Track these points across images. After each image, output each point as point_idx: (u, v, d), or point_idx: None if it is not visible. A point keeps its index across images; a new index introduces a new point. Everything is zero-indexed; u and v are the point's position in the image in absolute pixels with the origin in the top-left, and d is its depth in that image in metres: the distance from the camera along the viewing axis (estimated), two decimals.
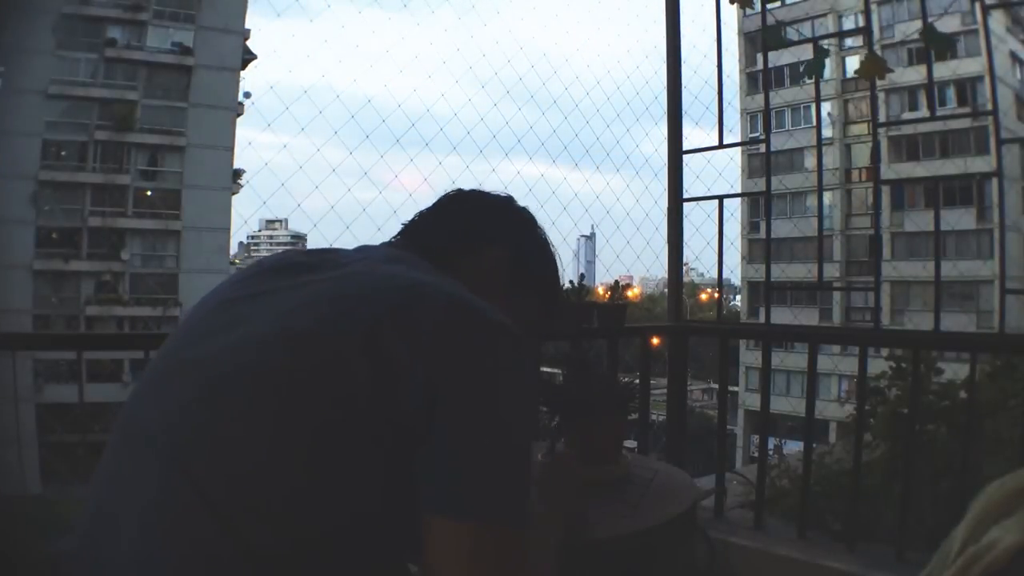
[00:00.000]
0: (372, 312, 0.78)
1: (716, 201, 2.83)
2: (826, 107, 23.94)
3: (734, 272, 19.22)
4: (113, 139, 19.91)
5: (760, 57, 2.98)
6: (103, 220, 19.83)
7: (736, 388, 20.71)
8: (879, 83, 2.46)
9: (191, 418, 0.77)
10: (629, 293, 2.92)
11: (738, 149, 3.20)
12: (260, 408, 0.76)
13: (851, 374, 2.94)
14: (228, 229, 20.00)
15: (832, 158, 23.80)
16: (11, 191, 18.02)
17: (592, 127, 3.06)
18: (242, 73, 20.40)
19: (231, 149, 19.76)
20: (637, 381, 2.59)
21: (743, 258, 19.05)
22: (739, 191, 3.23)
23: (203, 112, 20.06)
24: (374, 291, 0.82)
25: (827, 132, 24.25)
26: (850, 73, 21.70)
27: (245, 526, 0.71)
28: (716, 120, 2.78)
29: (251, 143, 2.76)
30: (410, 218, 1.08)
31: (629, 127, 3.17)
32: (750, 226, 18.72)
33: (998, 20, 16.45)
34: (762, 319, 2.78)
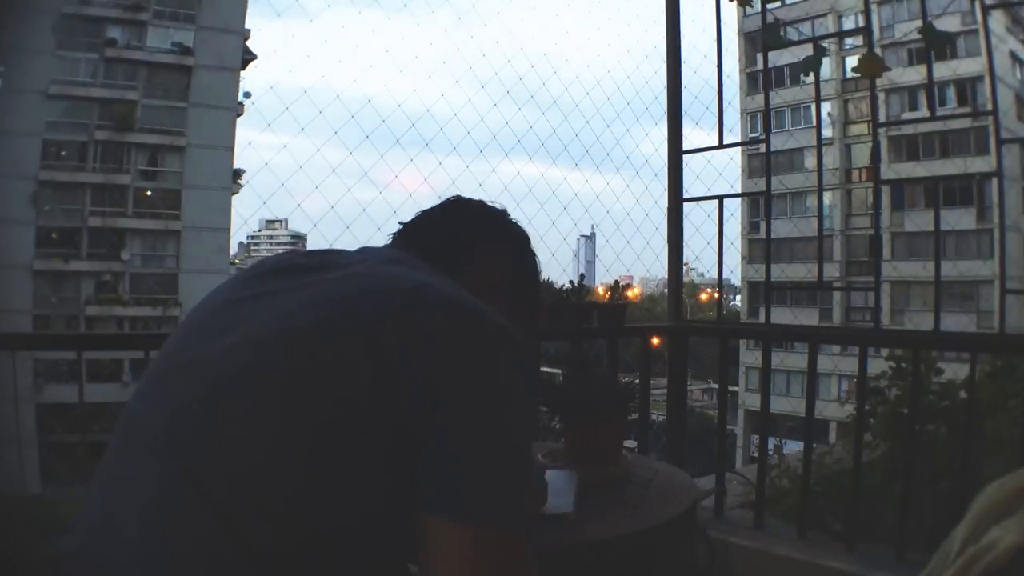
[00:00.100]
0: (374, 313, 0.78)
1: (716, 201, 2.83)
2: (826, 107, 23.94)
3: (734, 272, 19.21)
4: (113, 139, 19.91)
5: (760, 57, 2.98)
6: (103, 220, 19.83)
7: (736, 388, 20.69)
8: (879, 83, 2.46)
9: (192, 419, 0.77)
10: (629, 293, 2.92)
11: (738, 149, 3.20)
12: (261, 409, 0.76)
13: (851, 374, 2.94)
14: (228, 229, 20.00)
15: (832, 158, 23.79)
16: (11, 191, 18.02)
17: (592, 127, 3.06)
18: (242, 73, 20.43)
19: (231, 149, 19.77)
20: (637, 381, 2.59)
21: (743, 258, 19.03)
22: (739, 191, 3.23)
23: (203, 112, 20.06)
24: (376, 292, 0.83)
25: (827, 132, 24.24)
26: (850, 73, 21.70)
27: (246, 526, 0.72)
28: (716, 120, 2.78)
29: (251, 143, 2.77)
30: (410, 218, 1.09)
31: (629, 127, 3.17)
32: (750, 226, 18.70)
33: (998, 20, 16.44)
34: (762, 319, 2.78)
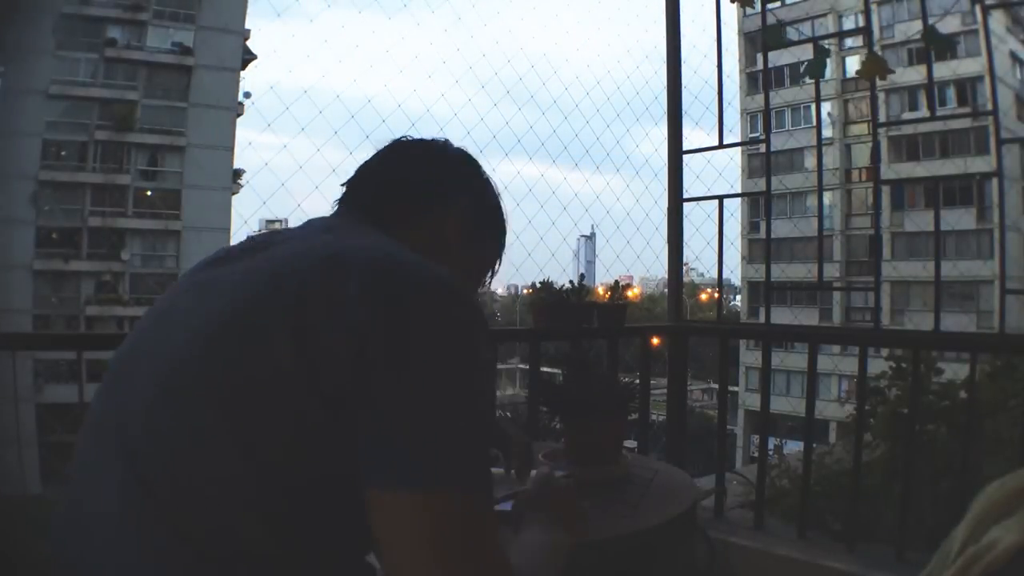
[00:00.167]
0: (294, 286, 0.75)
1: (716, 201, 2.83)
2: (826, 107, 23.93)
3: (734, 272, 19.24)
4: (113, 139, 19.91)
5: (760, 57, 2.98)
6: (103, 220, 19.83)
7: (736, 388, 20.68)
8: (879, 83, 2.46)
9: (137, 417, 0.76)
10: (629, 293, 2.92)
11: (738, 149, 3.20)
12: (196, 403, 0.74)
13: (851, 374, 2.93)
14: (228, 229, 19.93)
15: (832, 158, 23.79)
16: (11, 191, 18.01)
17: (592, 127, 3.06)
18: (242, 73, 20.41)
19: (231, 149, 19.76)
20: (637, 381, 2.59)
21: (743, 258, 19.03)
22: (739, 191, 3.23)
23: (203, 112, 20.05)
24: (297, 265, 0.78)
25: (827, 132, 24.24)
26: (850, 73, 21.70)
27: (196, 526, 0.70)
28: (716, 120, 2.78)
29: (251, 143, 2.77)
30: (353, 175, 1.01)
31: (629, 127, 3.17)
32: (750, 226, 18.71)
33: (998, 20, 16.45)
34: (762, 319, 2.78)
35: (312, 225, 0.93)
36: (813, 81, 2.54)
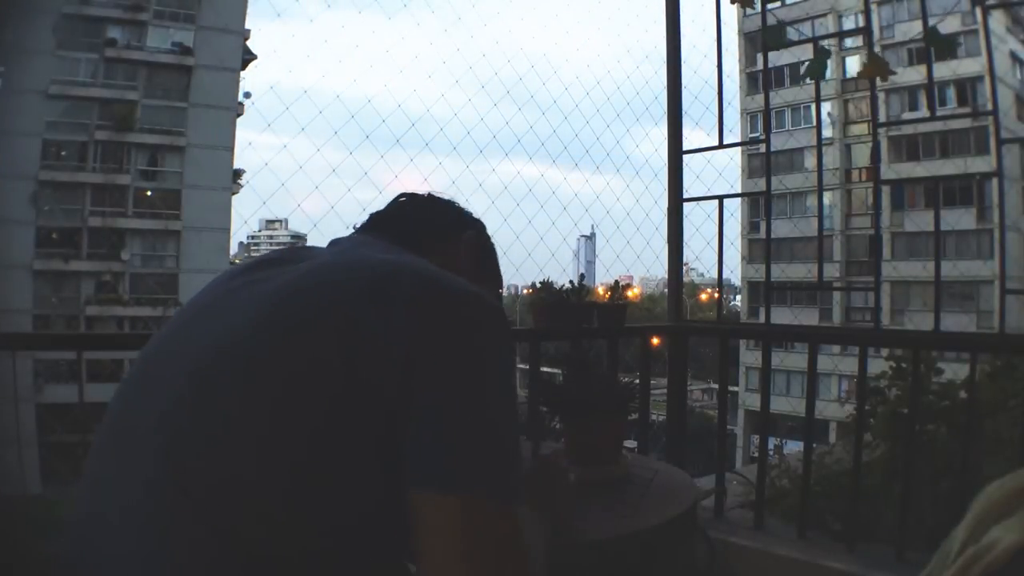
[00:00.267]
0: (345, 296, 0.78)
1: (716, 201, 2.82)
2: (826, 107, 23.93)
3: (734, 272, 19.28)
4: (113, 139, 19.92)
5: (760, 57, 2.98)
6: (103, 220, 19.84)
7: (736, 388, 20.70)
8: (879, 83, 2.46)
9: (177, 420, 0.76)
10: (629, 293, 2.92)
11: (738, 149, 3.20)
12: (246, 408, 0.74)
13: (851, 374, 2.93)
14: (228, 229, 20.00)
15: (832, 158, 23.79)
16: (11, 191, 18.02)
17: (592, 127, 3.06)
18: (242, 73, 20.43)
19: (231, 149, 19.77)
20: (637, 381, 2.59)
21: (743, 258, 19.05)
22: (739, 191, 3.23)
23: (203, 112, 20.06)
24: (348, 275, 0.82)
25: (827, 132, 24.25)
26: (850, 73, 21.73)
27: (238, 527, 0.70)
28: (716, 120, 2.78)
29: (251, 143, 2.77)
30: (375, 211, 1.12)
31: (629, 127, 3.17)
32: (750, 226, 18.73)
33: (998, 20, 16.45)
34: (762, 319, 2.78)
35: (341, 243, 1.02)
36: (813, 81, 2.54)
